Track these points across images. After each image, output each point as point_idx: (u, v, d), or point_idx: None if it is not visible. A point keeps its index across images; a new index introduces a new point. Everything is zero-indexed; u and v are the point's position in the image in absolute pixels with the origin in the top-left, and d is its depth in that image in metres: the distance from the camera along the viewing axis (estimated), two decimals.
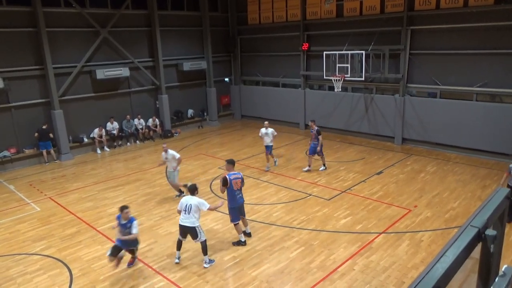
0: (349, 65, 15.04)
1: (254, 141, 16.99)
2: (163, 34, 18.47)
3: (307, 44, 18.15)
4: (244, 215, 8.64)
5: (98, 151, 16.54)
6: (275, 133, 13.34)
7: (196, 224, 7.48)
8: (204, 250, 7.62)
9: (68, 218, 10.09)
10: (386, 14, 15.32)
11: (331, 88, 16.97)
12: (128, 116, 17.65)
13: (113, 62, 17.07)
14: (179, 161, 10.94)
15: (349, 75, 15.13)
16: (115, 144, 17.23)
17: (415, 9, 14.53)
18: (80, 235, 9.20)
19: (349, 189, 11.32)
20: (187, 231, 7.56)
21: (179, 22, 19.35)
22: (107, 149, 16.85)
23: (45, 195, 11.85)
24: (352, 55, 14.95)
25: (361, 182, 11.83)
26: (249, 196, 11.08)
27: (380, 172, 12.61)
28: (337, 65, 15.41)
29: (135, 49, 17.79)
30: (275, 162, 13.59)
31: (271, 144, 13.21)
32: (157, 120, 18.57)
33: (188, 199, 7.55)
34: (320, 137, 12.52)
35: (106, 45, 16.86)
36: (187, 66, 19.40)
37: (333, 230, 8.93)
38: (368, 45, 15.35)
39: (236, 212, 8.30)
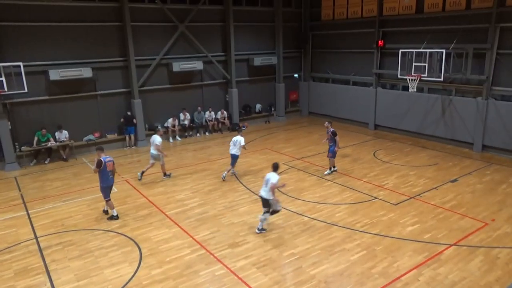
0: (426, 64, 14.17)
1: (320, 139, 16.77)
2: (237, 30, 18.89)
3: (382, 41, 17.46)
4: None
5: (171, 140, 17.49)
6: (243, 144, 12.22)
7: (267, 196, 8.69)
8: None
9: (141, 200, 10.85)
10: (472, 10, 14.18)
11: (405, 88, 16.17)
12: (199, 108, 18.42)
13: (188, 56, 17.89)
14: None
15: (426, 75, 14.26)
16: (186, 134, 18.08)
17: (506, 4, 13.27)
18: (151, 218, 9.85)
19: (418, 195, 10.75)
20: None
21: (252, 17, 19.67)
22: (179, 139, 17.74)
23: (122, 177, 12.84)
24: (430, 53, 14.04)
25: (433, 189, 11.16)
26: (311, 194, 11.03)
27: (455, 180, 11.79)
28: (414, 64, 14.58)
29: (209, 44, 18.44)
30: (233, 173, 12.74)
31: (237, 154, 12.26)
32: (225, 113, 19.13)
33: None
34: (336, 138, 12.16)
35: (183, 39, 17.68)
36: (257, 61, 19.68)
37: (398, 236, 8.57)
38: (449, 43, 14.34)
39: (108, 190, 9.72)
